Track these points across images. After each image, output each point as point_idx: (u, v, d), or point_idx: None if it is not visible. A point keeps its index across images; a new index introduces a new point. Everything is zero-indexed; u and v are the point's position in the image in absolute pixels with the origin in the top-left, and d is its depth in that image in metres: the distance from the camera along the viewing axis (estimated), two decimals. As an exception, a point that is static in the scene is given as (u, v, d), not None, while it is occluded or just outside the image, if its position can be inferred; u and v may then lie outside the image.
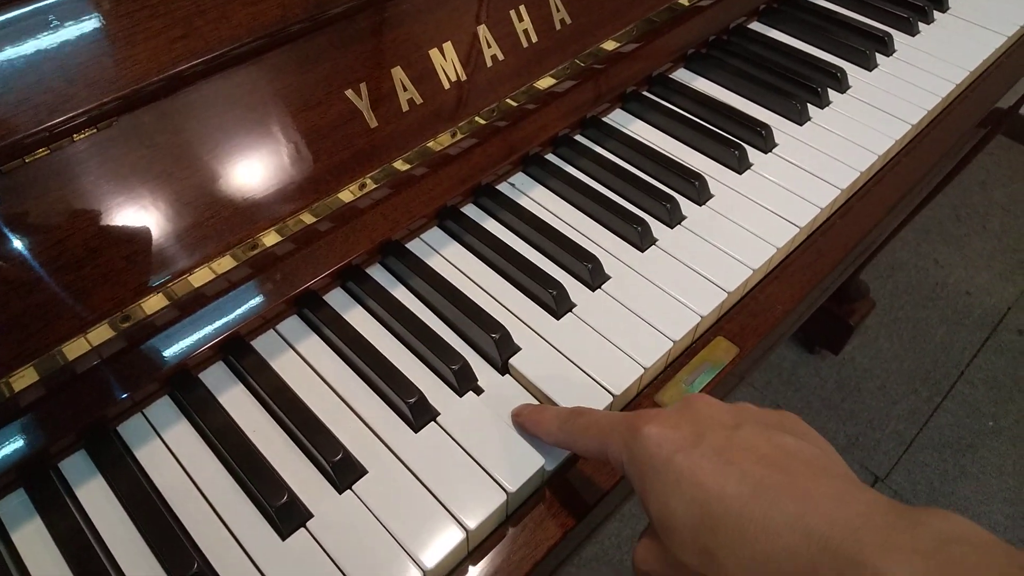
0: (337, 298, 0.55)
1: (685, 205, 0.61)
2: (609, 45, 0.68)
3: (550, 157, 0.66)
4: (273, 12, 0.44)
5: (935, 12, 0.83)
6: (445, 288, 0.54)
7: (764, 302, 0.59)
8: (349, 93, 0.50)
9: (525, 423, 0.47)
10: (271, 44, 0.45)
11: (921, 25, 0.81)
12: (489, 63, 0.56)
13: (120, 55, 0.40)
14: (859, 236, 0.65)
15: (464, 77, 0.55)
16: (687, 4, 0.74)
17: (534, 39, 0.58)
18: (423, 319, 0.52)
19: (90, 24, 0.40)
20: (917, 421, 1.56)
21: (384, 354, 0.50)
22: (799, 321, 0.64)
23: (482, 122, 0.59)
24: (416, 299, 0.55)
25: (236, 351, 0.50)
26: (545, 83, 0.64)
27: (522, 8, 0.57)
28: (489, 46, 0.56)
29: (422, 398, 0.47)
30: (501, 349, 0.51)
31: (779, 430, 0.37)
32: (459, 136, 0.56)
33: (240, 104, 0.47)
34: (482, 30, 0.55)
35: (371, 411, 0.48)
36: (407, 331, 0.51)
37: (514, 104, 0.60)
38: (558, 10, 0.59)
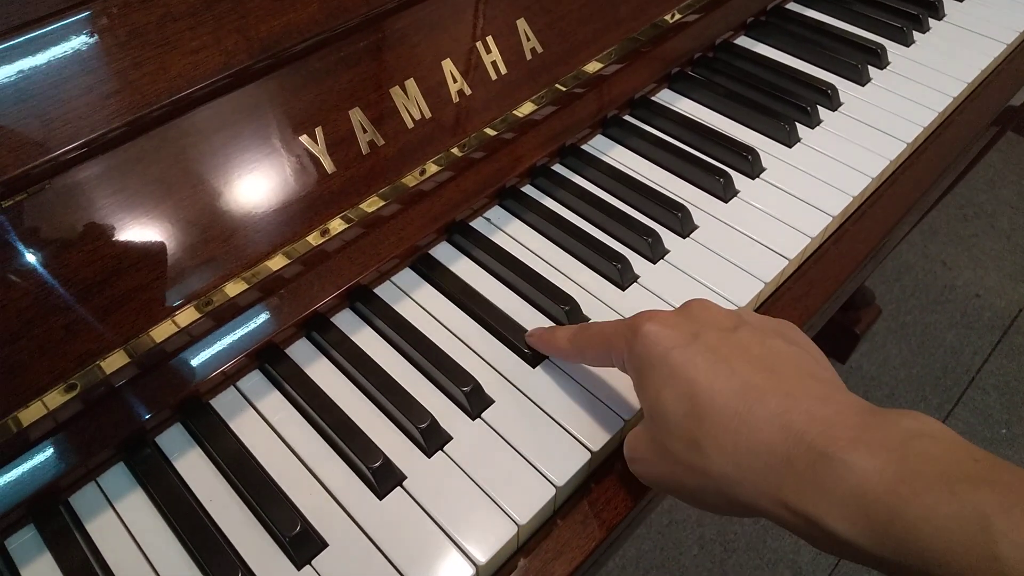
0: (301, 349, 0.52)
1: (668, 238, 0.59)
2: (591, 67, 0.65)
3: (527, 189, 0.63)
4: (215, 60, 0.42)
5: (931, 20, 0.79)
6: (414, 336, 0.51)
7: (752, 339, 0.56)
8: (304, 139, 0.47)
9: (538, 343, 0.49)
10: (215, 92, 0.43)
11: (916, 35, 0.78)
12: (456, 98, 0.53)
13: (51, 115, 0.38)
14: (855, 263, 0.62)
15: (429, 114, 0.52)
16: (671, 21, 0.71)
17: (503, 71, 0.56)
18: (389, 370, 0.50)
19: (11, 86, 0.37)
20: (928, 430, 1.53)
21: (346, 412, 0.47)
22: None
23: (458, 154, 0.56)
24: (388, 345, 0.53)
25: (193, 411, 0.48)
26: (525, 109, 0.61)
27: (489, 40, 0.54)
28: (455, 80, 0.53)
29: (388, 462, 0.45)
30: (472, 402, 0.48)
31: (775, 335, 0.38)
32: (428, 174, 0.54)
33: (189, 156, 0.44)
34: (447, 64, 0.52)
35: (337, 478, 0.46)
36: (371, 385, 0.49)
37: (491, 133, 0.57)
38: (528, 39, 0.56)
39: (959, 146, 0.72)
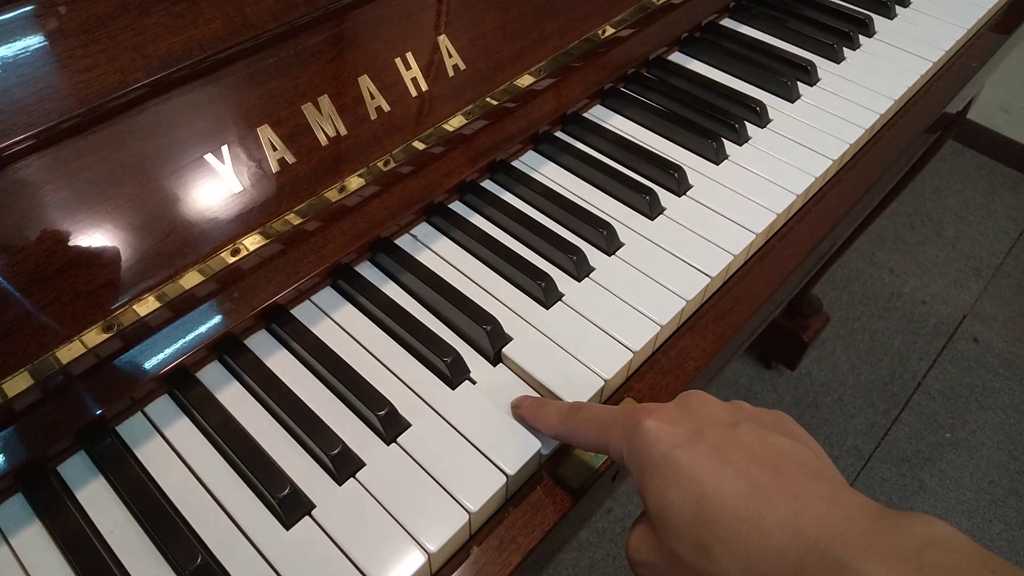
0: (212, 373, 0.51)
1: (594, 256, 0.58)
2: (523, 81, 0.65)
3: (456, 206, 0.62)
4: (109, 78, 0.40)
5: (862, 37, 0.81)
6: (330, 358, 0.51)
7: (675, 358, 0.56)
8: (210, 158, 0.46)
9: (525, 415, 0.48)
10: (114, 112, 0.42)
11: (847, 51, 0.79)
12: (374, 115, 0.53)
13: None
14: (779, 280, 0.62)
15: (345, 131, 0.52)
16: (603, 36, 0.71)
17: (424, 87, 0.55)
18: (303, 394, 0.49)
19: None
20: (875, 435, 1.55)
21: (258, 441, 0.46)
22: (716, 375, 0.61)
23: (383, 168, 0.55)
24: (303, 366, 0.51)
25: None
26: (455, 123, 0.60)
27: (410, 56, 0.53)
28: (372, 97, 0.52)
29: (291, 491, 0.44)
30: (387, 425, 0.47)
31: (773, 430, 0.38)
32: (349, 190, 0.53)
33: (85, 178, 0.43)
34: (364, 81, 0.52)
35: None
36: (282, 412, 0.48)
37: (420, 147, 0.56)
38: (450, 55, 0.56)
39: (887, 161, 0.73)
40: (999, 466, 1.50)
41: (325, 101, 0.50)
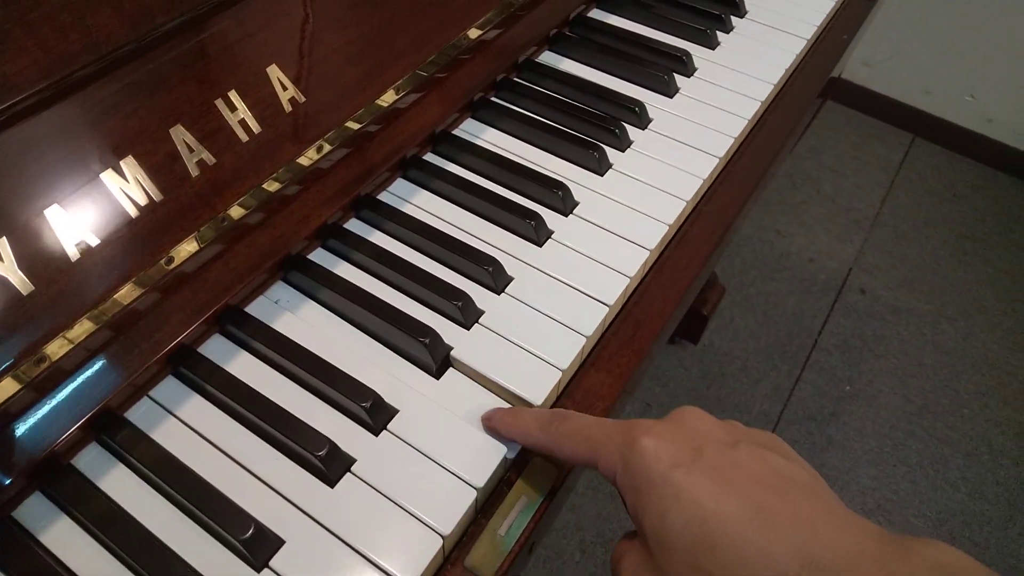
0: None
1: (481, 296, 0.52)
2: (386, 98, 0.58)
3: (315, 256, 0.54)
4: None
5: (734, 19, 0.77)
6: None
7: (581, 400, 0.51)
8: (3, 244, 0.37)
9: (499, 426, 0.45)
10: None
11: (720, 35, 0.75)
12: (195, 171, 0.44)
13: None
14: (679, 292, 0.58)
15: (160, 196, 0.43)
16: (465, 43, 0.64)
17: (256, 128, 0.47)
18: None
19: None
20: (781, 397, 1.58)
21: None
22: (621, 407, 0.57)
23: (212, 234, 0.47)
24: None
25: None
26: (309, 156, 0.53)
27: (233, 95, 0.45)
28: (192, 150, 0.43)
29: None
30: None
31: (772, 450, 0.37)
32: (177, 261, 0.44)
33: None
34: (177, 132, 0.43)
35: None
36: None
37: (271, 189, 0.48)
38: (284, 88, 0.47)
39: (774, 146, 0.71)
40: (896, 411, 1.56)
41: (131, 163, 0.41)
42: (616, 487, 0.39)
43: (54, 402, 0.42)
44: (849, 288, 1.77)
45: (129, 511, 0.41)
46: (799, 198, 1.95)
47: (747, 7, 0.79)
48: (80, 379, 0.43)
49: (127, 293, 0.44)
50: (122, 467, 0.43)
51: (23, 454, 0.41)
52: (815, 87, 0.77)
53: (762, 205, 1.92)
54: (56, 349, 0.41)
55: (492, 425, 0.46)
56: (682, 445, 0.36)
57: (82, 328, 0.42)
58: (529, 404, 0.47)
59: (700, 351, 1.64)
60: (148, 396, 0.46)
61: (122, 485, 0.43)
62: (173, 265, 0.44)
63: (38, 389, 0.42)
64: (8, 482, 0.40)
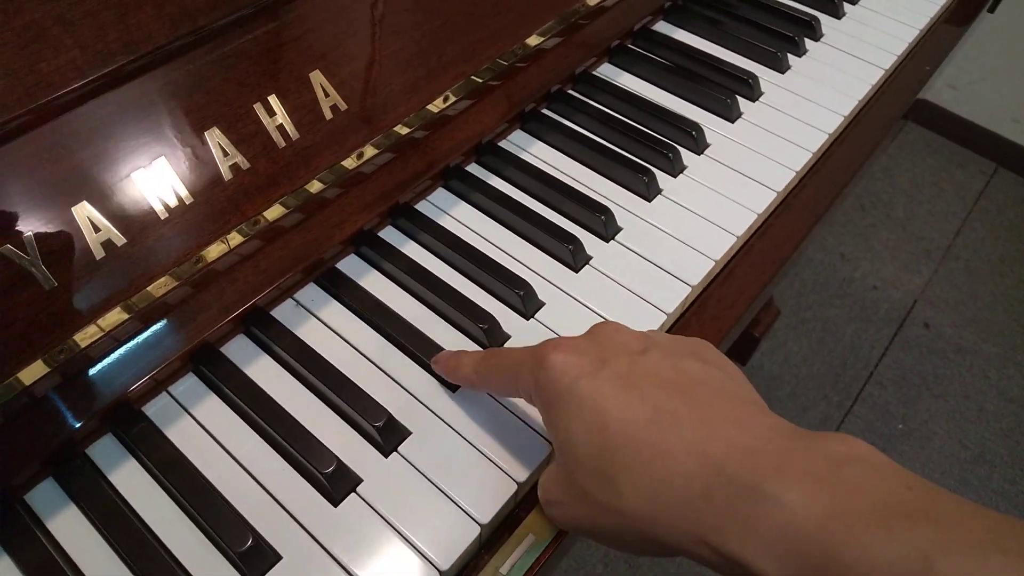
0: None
1: (508, 320, 0.51)
2: (436, 106, 0.56)
3: (344, 265, 0.54)
4: None
5: (808, 41, 0.73)
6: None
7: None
8: (6, 250, 0.37)
9: (443, 369, 0.46)
10: None
11: (792, 59, 0.71)
12: (229, 175, 0.44)
13: None
14: (720, 333, 0.55)
15: (190, 199, 0.42)
16: (521, 53, 0.62)
17: (294, 135, 0.46)
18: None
19: None
20: (829, 428, 1.52)
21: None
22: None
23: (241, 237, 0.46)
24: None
25: None
26: (352, 160, 0.52)
27: (273, 100, 0.44)
28: (226, 154, 0.43)
29: None
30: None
31: (688, 356, 0.36)
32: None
33: None
34: (213, 135, 0.42)
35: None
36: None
37: (314, 189, 0.48)
38: (327, 95, 0.46)
39: (839, 182, 0.67)
40: (950, 456, 1.49)
41: (161, 164, 0.41)
42: (533, 405, 0.39)
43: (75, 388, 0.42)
44: (912, 321, 1.69)
45: (134, 506, 0.41)
46: (868, 221, 1.86)
47: (823, 30, 0.74)
48: (102, 366, 0.43)
49: (161, 284, 0.44)
50: (132, 461, 0.43)
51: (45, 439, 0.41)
52: (890, 118, 0.72)
53: (827, 226, 1.84)
54: (83, 337, 0.41)
55: (437, 368, 0.46)
56: (589, 356, 0.36)
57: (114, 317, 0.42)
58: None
59: (748, 372, 1.58)
60: (167, 391, 0.46)
61: (130, 479, 0.43)
62: (201, 266, 0.44)
63: (63, 374, 0.42)
64: (22, 469, 0.41)
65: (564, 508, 0.38)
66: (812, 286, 1.74)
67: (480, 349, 0.48)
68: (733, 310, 0.56)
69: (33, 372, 0.41)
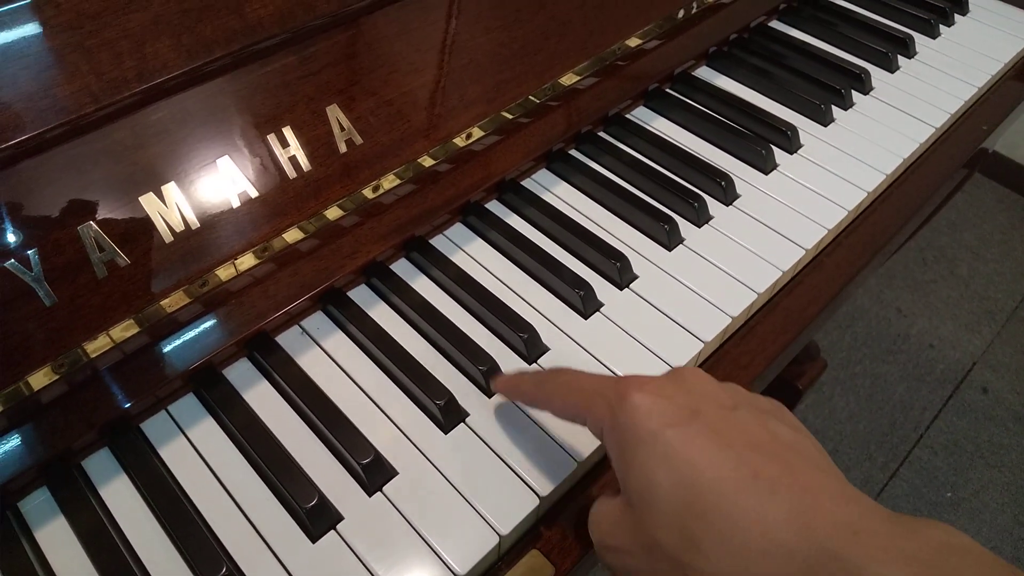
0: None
1: (509, 363, 0.50)
2: (460, 141, 0.57)
3: (355, 294, 0.54)
4: None
5: (855, 94, 0.71)
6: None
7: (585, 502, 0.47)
8: (11, 265, 0.38)
9: (502, 389, 0.45)
10: None
11: (836, 111, 0.69)
12: (237, 202, 0.44)
13: None
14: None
15: (197, 224, 0.43)
16: (552, 93, 0.62)
17: (307, 167, 0.46)
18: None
19: None
20: (871, 491, 1.45)
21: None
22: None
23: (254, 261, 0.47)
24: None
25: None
26: (370, 193, 0.52)
27: (287, 131, 0.45)
28: (233, 183, 0.43)
29: None
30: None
31: (775, 418, 0.35)
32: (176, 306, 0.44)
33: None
34: (224, 162, 0.43)
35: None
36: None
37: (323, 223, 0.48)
38: (342, 129, 0.47)
39: (876, 243, 0.64)
40: (1002, 531, 1.40)
41: (170, 189, 0.42)
42: (604, 443, 0.37)
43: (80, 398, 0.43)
44: (969, 384, 1.61)
45: (121, 527, 0.41)
46: (929, 276, 1.79)
47: (874, 83, 0.72)
48: (106, 384, 0.44)
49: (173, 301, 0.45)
50: (124, 478, 0.44)
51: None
52: (939, 178, 0.69)
53: (885, 278, 1.78)
54: (95, 347, 0.42)
55: (497, 388, 0.46)
56: (678, 404, 0.34)
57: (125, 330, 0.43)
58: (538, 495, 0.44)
59: (788, 424, 1.54)
60: (166, 410, 0.47)
61: (121, 496, 0.43)
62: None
63: (69, 383, 0.43)
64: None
65: (625, 557, 0.36)
66: (864, 340, 1.68)
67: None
68: (748, 371, 0.54)
69: (39, 380, 0.42)
